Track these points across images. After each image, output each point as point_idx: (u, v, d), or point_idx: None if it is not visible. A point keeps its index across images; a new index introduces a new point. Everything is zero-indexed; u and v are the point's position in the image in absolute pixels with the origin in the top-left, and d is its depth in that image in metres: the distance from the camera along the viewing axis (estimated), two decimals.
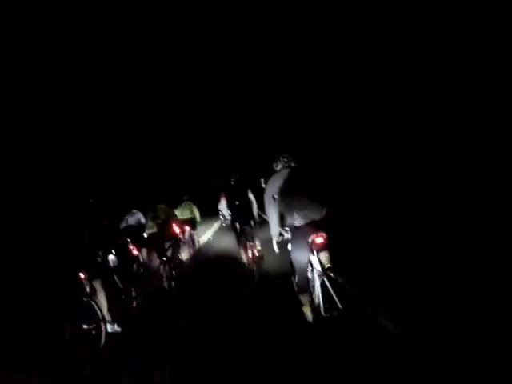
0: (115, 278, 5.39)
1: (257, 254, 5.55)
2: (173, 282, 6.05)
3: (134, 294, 5.31)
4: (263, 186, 6.32)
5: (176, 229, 6.56)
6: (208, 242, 11.78)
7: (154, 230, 5.90)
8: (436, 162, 8.32)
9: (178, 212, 9.35)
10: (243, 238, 5.61)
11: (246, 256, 5.62)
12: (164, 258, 5.96)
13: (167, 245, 6.17)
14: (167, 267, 5.99)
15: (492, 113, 6.95)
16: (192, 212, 9.27)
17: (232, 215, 5.71)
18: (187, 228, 9.34)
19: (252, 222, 5.60)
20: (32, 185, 11.37)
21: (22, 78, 12.88)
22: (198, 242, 10.62)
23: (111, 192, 14.16)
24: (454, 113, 8.10)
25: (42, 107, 13.59)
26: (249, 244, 5.55)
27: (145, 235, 6.28)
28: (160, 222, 5.94)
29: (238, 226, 5.59)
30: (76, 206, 4.70)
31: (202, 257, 9.41)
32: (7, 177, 10.53)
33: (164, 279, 5.97)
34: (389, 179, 10.25)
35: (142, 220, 6.47)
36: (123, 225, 6.98)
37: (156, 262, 6.01)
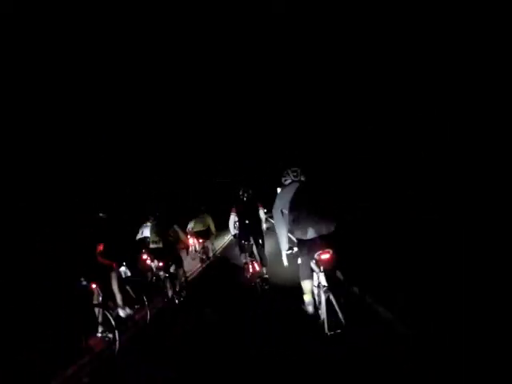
0: (128, 288, 5.43)
1: (258, 269, 5.55)
2: (178, 298, 6.05)
3: (146, 303, 5.32)
4: None
5: (179, 246, 6.49)
6: (220, 253, 11.61)
7: (160, 245, 5.85)
8: (436, 162, 8.35)
9: (192, 224, 9.43)
10: (247, 253, 5.63)
11: (249, 271, 5.66)
12: (167, 274, 5.94)
13: (171, 260, 6.13)
14: (170, 283, 6.01)
15: (492, 113, 6.98)
16: (206, 224, 9.15)
17: (239, 231, 5.64)
18: (200, 240, 9.26)
19: (260, 240, 5.58)
20: (38, 191, 11.35)
21: (22, 78, 12.81)
22: (212, 253, 10.33)
23: (122, 204, 14.19)
24: (453, 113, 8.12)
25: (42, 107, 13.53)
26: (252, 260, 5.59)
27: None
28: (166, 238, 5.91)
29: (243, 241, 5.57)
30: (88, 220, 4.80)
31: (214, 269, 9.32)
32: (9, 179, 10.52)
33: (169, 294, 5.99)
34: (389, 179, 10.29)
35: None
36: (139, 236, 7.13)
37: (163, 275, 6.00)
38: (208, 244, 9.69)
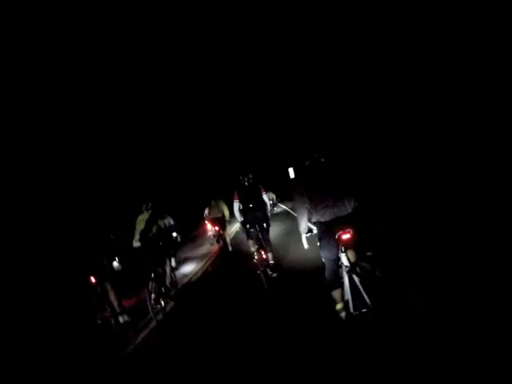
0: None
1: (265, 257, 5.39)
2: (162, 302, 5.35)
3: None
4: (291, 175, 6.20)
5: (166, 244, 5.81)
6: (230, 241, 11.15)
7: (138, 244, 5.50)
8: (436, 162, 8.33)
9: (207, 210, 9.46)
10: (254, 241, 5.45)
11: (257, 259, 5.39)
12: (152, 275, 5.24)
13: (156, 260, 5.58)
14: (154, 285, 5.25)
15: (491, 113, 6.97)
16: (221, 211, 8.88)
17: (244, 218, 5.44)
18: (217, 228, 9.09)
19: (264, 225, 5.45)
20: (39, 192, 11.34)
21: (22, 78, 12.76)
22: (230, 242, 9.76)
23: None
24: (453, 113, 8.12)
25: (42, 107, 13.47)
26: (259, 247, 5.41)
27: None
28: (151, 234, 5.48)
29: (249, 227, 5.40)
30: (84, 221, 5.10)
31: (224, 258, 9.12)
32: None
33: (151, 298, 5.18)
34: (388, 179, 10.25)
35: (172, 222, 6.09)
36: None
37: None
38: (225, 231, 9.26)
